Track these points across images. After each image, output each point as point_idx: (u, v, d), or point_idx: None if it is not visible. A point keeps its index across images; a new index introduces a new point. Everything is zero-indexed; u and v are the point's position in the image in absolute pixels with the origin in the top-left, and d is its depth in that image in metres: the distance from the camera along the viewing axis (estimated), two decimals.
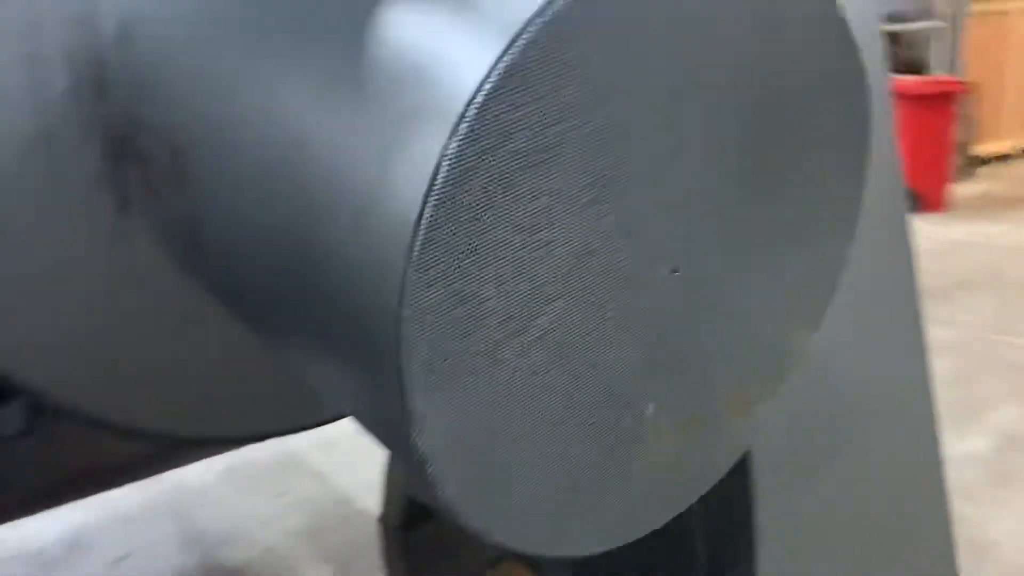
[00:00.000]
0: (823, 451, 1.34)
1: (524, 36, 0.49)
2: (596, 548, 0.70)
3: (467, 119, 0.49)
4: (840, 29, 0.68)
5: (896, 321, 1.45)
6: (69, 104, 0.89)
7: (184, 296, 0.95)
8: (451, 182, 0.49)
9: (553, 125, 0.54)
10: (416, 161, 0.51)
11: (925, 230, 5.16)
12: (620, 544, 0.72)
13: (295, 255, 0.64)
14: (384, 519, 2.21)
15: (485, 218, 0.52)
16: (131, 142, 0.89)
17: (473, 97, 0.49)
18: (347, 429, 2.62)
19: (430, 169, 0.50)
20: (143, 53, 0.83)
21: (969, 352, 3.49)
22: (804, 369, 1.27)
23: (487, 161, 0.50)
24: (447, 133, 0.49)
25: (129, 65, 0.85)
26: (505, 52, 0.49)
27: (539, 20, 0.50)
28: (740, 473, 1.25)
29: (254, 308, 0.81)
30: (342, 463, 2.87)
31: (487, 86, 0.49)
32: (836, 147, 0.71)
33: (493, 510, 0.62)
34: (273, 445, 2.94)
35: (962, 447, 2.78)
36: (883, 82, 1.33)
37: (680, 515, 1.32)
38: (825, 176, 0.72)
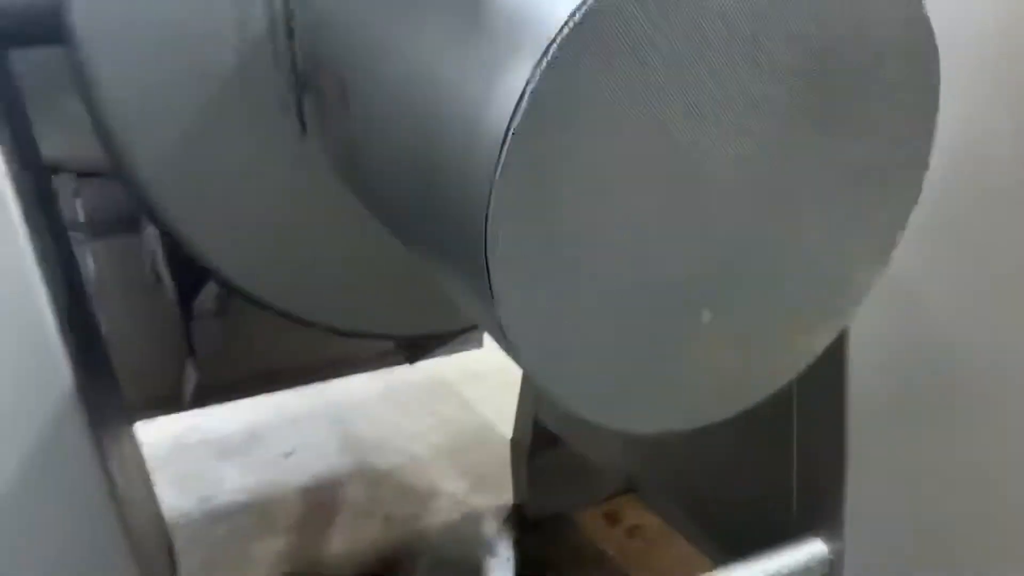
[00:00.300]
0: (925, 405, 1.38)
1: None
2: (650, 428, 0.83)
3: (549, 55, 0.63)
4: None
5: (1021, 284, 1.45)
6: (265, 43, 1.09)
7: (346, 206, 1.14)
8: (533, 103, 0.63)
9: (631, 69, 0.66)
10: (510, 85, 0.65)
11: None
12: (672, 429, 0.84)
13: (422, 167, 0.80)
14: (515, 442, 2.41)
15: (560, 134, 0.65)
16: (310, 77, 1.08)
17: (554, 39, 0.62)
18: (492, 364, 2.82)
19: (518, 92, 0.63)
20: (321, 2, 1.02)
21: None
22: (916, 321, 1.32)
23: (564, 88, 0.64)
24: (533, 64, 0.63)
25: (311, 11, 1.03)
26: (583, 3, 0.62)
27: None
28: (836, 413, 1.32)
29: (394, 213, 0.98)
30: (486, 394, 3.09)
31: (566, 30, 0.62)
32: (905, 94, 0.78)
33: (562, 378, 0.76)
34: (428, 372, 3.22)
35: None
36: None
37: (777, 449, 1.41)
38: (895, 121, 0.79)
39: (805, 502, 1.41)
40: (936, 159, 0.91)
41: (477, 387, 3.17)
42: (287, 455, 2.79)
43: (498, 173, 0.65)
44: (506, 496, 2.47)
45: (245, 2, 1.05)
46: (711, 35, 0.68)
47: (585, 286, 0.72)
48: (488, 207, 0.66)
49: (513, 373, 2.26)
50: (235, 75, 1.05)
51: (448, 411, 3.06)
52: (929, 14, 0.78)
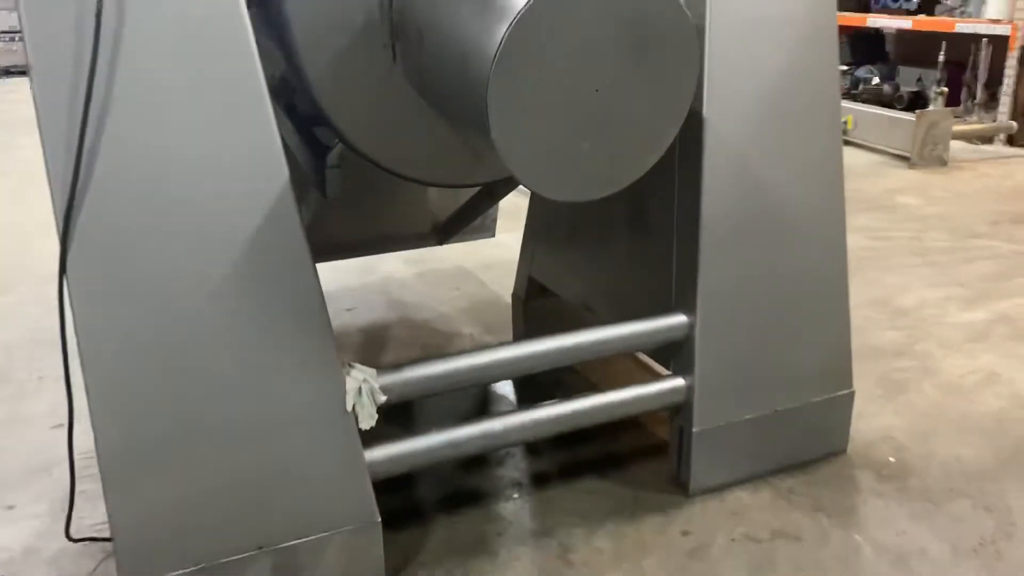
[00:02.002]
0: (755, 231, 2.29)
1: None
2: (574, 198, 1.78)
3: (511, 26, 1.56)
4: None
5: (826, 149, 2.36)
6: (377, 5, 2.00)
7: (415, 103, 2.06)
8: (505, 44, 1.56)
9: (546, 35, 1.59)
10: (497, 35, 1.57)
11: None
12: (598, 196, 1.78)
13: (458, 72, 1.73)
14: (514, 295, 3.37)
15: (518, 56, 1.58)
16: (401, 26, 2.00)
17: (512, 20, 1.56)
18: (502, 257, 3.80)
19: (500, 38, 1.57)
20: None
21: None
22: (749, 177, 2.24)
23: (519, 38, 1.57)
24: (506, 27, 1.56)
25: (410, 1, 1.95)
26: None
27: None
28: (695, 233, 2.25)
29: (442, 101, 1.91)
30: (496, 277, 4.05)
31: (517, 16, 1.55)
32: (675, 50, 1.72)
33: (525, 169, 1.68)
34: (453, 260, 4.16)
35: None
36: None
37: (666, 260, 2.34)
38: (671, 67, 1.73)
39: (679, 289, 2.35)
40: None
41: (490, 272, 4.14)
42: (349, 310, 3.78)
43: (491, 71, 1.59)
44: (508, 337, 3.44)
45: None
46: (582, 18, 1.62)
47: (532, 121, 1.66)
48: (487, 86, 1.60)
49: (515, 263, 3.27)
50: (362, 24, 1.98)
51: (468, 287, 4.03)
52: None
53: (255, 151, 1.80)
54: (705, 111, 2.17)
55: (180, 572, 1.85)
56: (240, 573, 1.90)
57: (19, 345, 3.45)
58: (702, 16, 2.14)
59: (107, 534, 2.23)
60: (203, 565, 1.87)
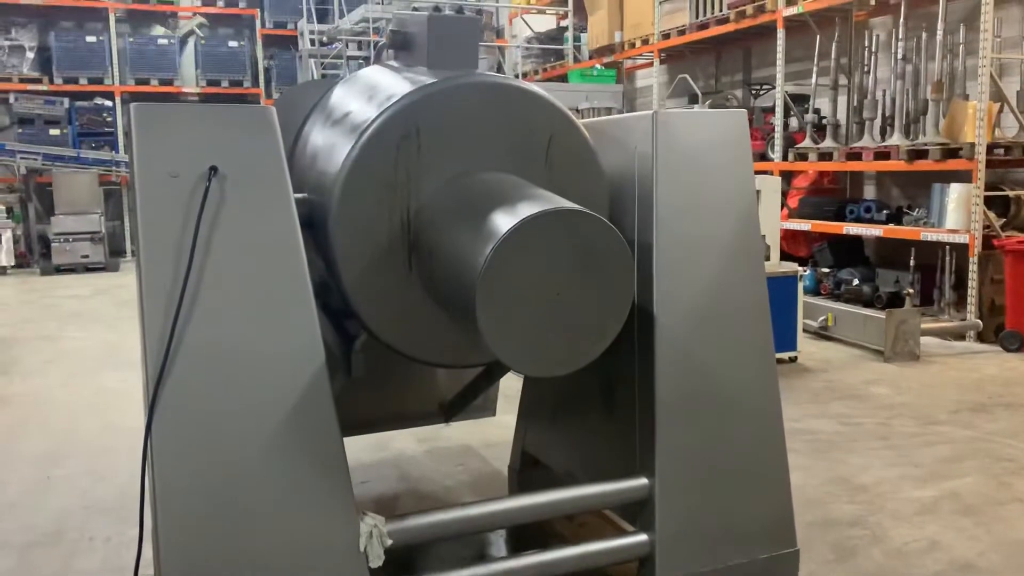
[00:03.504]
0: (702, 406, 2.78)
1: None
2: (544, 374, 2.31)
3: (490, 253, 2.15)
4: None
5: (757, 339, 2.88)
6: (399, 229, 2.61)
7: (429, 305, 2.63)
8: (487, 267, 2.15)
9: (519, 261, 2.19)
10: (480, 258, 2.17)
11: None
12: (561, 372, 2.31)
13: (455, 281, 2.31)
14: (510, 468, 3.82)
15: (496, 273, 2.18)
16: (416, 245, 2.61)
17: (492, 248, 2.15)
18: (503, 436, 4.31)
19: (485, 256, 2.15)
20: (420, 216, 2.56)
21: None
22: (694, 362, 2.76)
23: (498, 263, 2.17)
24: (490, 249, 2.15)
25: (418, 219, 2.57)
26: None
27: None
28: (651, 406, 2.74)
29: (449, 304, 2.49)
30: (498, 454, 4.50)
31: (498, 243, 2.15)
32: (615, 266, 2.30)
33: (507, 354, 2.22)
34: (458, 440, 4.63)
35: None
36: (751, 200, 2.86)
37: (629, 430, 2.82)
38: (613, 280, 2.32)
39: (641, 455, 2.81)
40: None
41: (491, 450, 4.59)
42: (363, 483, 4.21)
43: (478, 281, 2.17)
44: None
45: (395, 211, 2.58)
46: (544, 244, 2.22)
47: (508, 316, 2.21)
48: (475, 291, 2.18)
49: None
50: (387, 244, 2.58)
51: (471, 463, 4.48)
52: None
53: (300, 339, 2.36)
54: (655, 309, 2.73)
55: None
56: None
57: (71, 511, 3.89)
58: (651, 236, 2.75)
59: None
60: None
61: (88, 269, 12.49)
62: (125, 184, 14.16)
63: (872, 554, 3.35)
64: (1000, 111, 7.81)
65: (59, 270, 12.41)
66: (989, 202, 7.46)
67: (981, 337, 7.31)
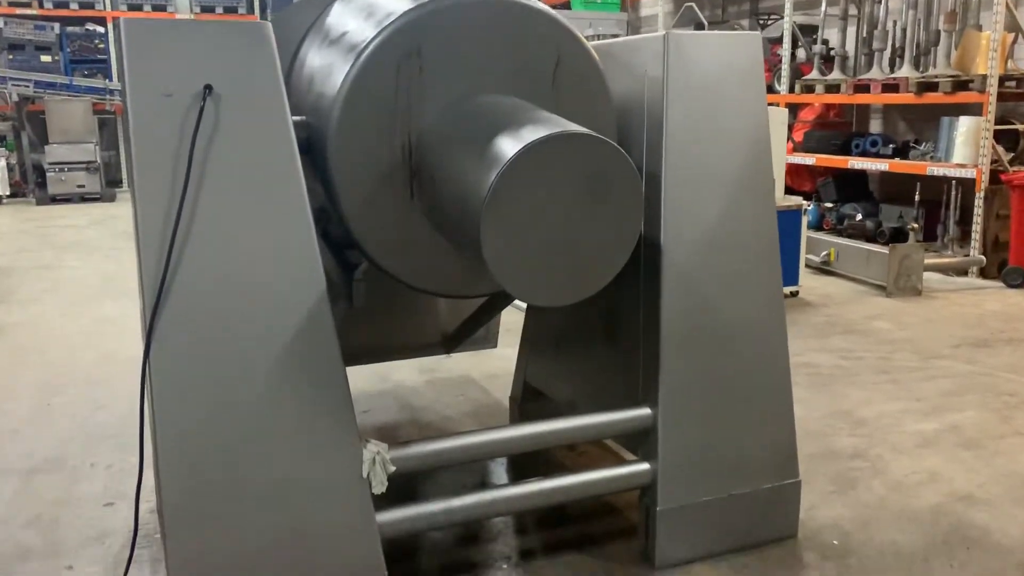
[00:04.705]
0: (707, 337, 2.75)
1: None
2: (553, 303, 2.27)
3: (499, 173, 2.08)
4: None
5: (765, 271, 2.83)
6: (400, 155, 2.54)
7: (431, 233, 2.57)
8: (498, 185, 2.09)
9: (525, 178, 2.13)
10: (489, 177, 2.09)
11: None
12: (567, 302, 2.27)
13: (461, 204, 2.25)
14: (511, 398, 3.81)
15: (503, 192, 2.11)
16: (418, 172, 2.54)
17: (500, 170, 2.08)
18: (504, 368, 4.31)
19: (490, 182, 2.09)
20: (424, 138, 2.48)
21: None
22: (700, 294, 2.72)
23: (506, 183, 2.10)
24: (496, 173, 2.09)
25: (421, 143, 2.49)
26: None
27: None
28: (655, 338, 2.71)
29: (449, 228, 2.43)
30: (499, 386, 4.49)
31: (504, 166, 2.08)
32: (624, 193, 2.24)
33: (512, 282, 2.17)
34: (458, 372, 4.62)
35: None
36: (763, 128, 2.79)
37: (634, 361, 2.79)
38: (622, 207, 2.26)
39: (644, 386, 2.79)
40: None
41: (493, 382, 4.59)
42: (365, 412, 4.21)
43: (483, 208, 2.10)
44: None
45: (396, 136, 2.50)
46: (552, 169, 2.15)
47: (514, 244, 2.15)
48: (480, 219, 2.11)
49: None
50: (388, 169, 2.51)
51: (472, 394, 4.47)
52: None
53: (300, 266, 2.31)
54: (663, 240, 2.67)
55: None
56: None
57: (72, 438, 3.89)
58: (660, 166, 2.67)
59: None
60: None
61: (84, 199, 12.36)
62: (119, 113, 13.93)
63: (872, 486, 3.36)
64: (1014, 42, 7.62)
65: (55, 200, 12.27)
66: (997, 136, 7.34)
67: (984, 273, 7.28)
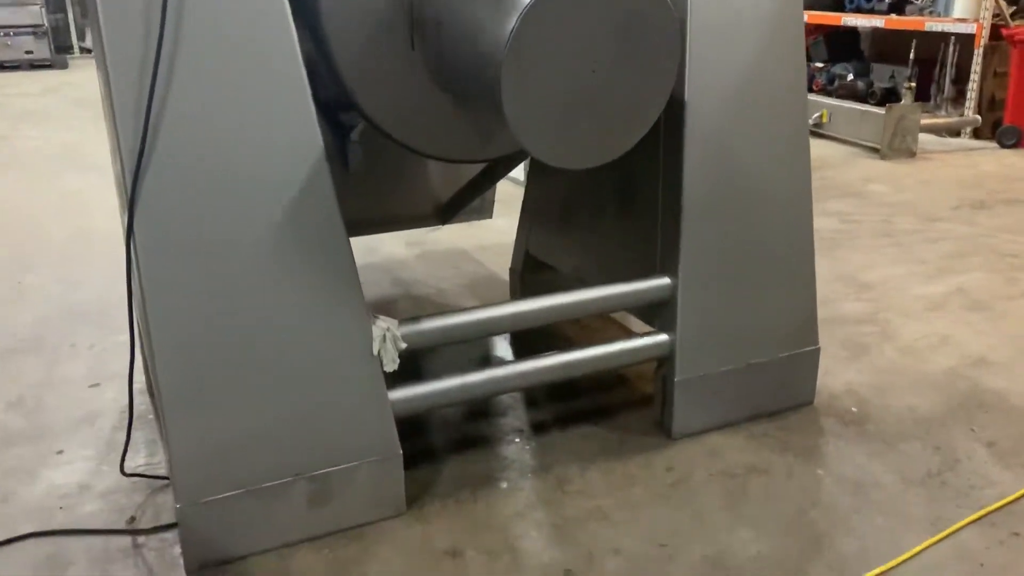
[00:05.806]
0: (731, 201, 2.58)
1: None
2: (573, 166, 2.06)
3: (524, 12, 1.83)
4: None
5: (792, 130, 2.65)
6: (399, 3, 2.26)
7: (434, 89, 2.33)
8: (520, 30, 1.84)
9: (550, 24, 1.87)
10: (508, 25, 1.85)
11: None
12: (593, 164, 2.07)
13: (472, 56, 2.01)
14: (512, 270, 3.65)
15: (526, 40, 1.86)
16: (420, 18, 2.27)
17: (525, 9, 1.83)
18: (497, 240, 4.13)
19: (511, 27, 1.84)
20: None
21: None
22: (725, 155, 2.53)
23: (527, 30, 1.84)
24: (517, 17, 1.84)
25: None
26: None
27: None
28: (677, 204, 2.54)
29: (456, 82, 2.19)
30: (493, 258, 4.33)
31: (529, 7, 1.83)
32: (661, 39, 2.00)
33: (532, 141, 1.96)
34: (450, 244, 4.43)
35: None
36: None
37: (652, 226, 2.63)
38: (657, 55, 2.01)
39: (663, 256, 2.64)
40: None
41: (486, 253, 4.42)
42: None
43: (504, 57, 1.86)
44: None
45: None
46: (580, 11, 1.90)
47: (538, 99, 1.94)
48: (500, 70, 1.88)
49: (510, 245, 3.57)
50: (385, 17, 2.24)
51: (466, 267, 4.31)
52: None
53: (295, 125, 2.07)
54: (687, 95, 2.45)
55: (228, 494, 2.12)
56: (280, 496, 2.17)
57: (48, 318, 3.70)
58: (684, 12, 2.42)
59: (152, 474, 2.50)
60: (248, 488, 2.13)
61: (34, 66, 11.63)
62: None
63: (884, 350, 3.29)
64: None
65: (2, 67, 11.56)
66: None
67: (977, 133, 7.13)
